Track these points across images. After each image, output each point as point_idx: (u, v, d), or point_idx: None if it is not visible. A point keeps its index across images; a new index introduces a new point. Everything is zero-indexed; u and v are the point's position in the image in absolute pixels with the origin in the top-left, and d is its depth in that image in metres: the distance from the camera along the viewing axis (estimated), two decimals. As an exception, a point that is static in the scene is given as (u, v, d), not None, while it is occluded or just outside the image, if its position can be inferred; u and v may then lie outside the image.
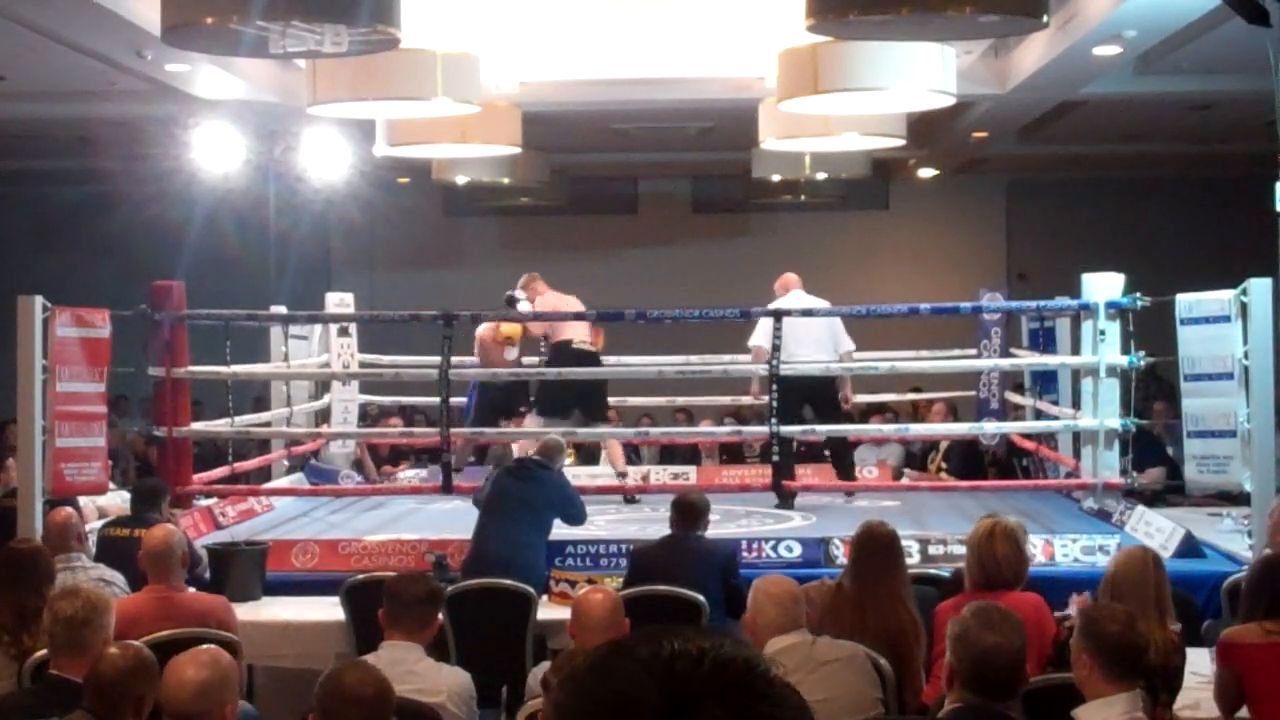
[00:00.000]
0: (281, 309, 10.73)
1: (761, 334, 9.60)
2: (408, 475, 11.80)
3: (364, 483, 10.95)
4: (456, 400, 9.81)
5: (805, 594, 5.71)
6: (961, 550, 6.14)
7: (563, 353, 9.99)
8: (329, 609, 6.94)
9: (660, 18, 10.15)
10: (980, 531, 5.42)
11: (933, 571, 6.86)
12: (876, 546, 5.65)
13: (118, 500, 8.59)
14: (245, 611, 6.73)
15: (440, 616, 5.16)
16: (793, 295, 9.96)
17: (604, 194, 18.65)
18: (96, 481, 8.27)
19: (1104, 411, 8.68)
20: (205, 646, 4.05)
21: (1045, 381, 10.18)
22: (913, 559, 7.44)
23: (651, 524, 8.41)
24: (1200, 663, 5.25)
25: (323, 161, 13.33)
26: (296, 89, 10.35)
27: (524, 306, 10.30)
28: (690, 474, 11.04)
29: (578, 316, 10.05)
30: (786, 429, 9.15)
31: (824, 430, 9.76)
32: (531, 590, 6.78)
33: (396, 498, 10.11)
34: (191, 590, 6.26)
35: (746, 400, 11.21)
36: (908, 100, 9.10)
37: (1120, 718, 3.94)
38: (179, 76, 11.19)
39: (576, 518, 7.71)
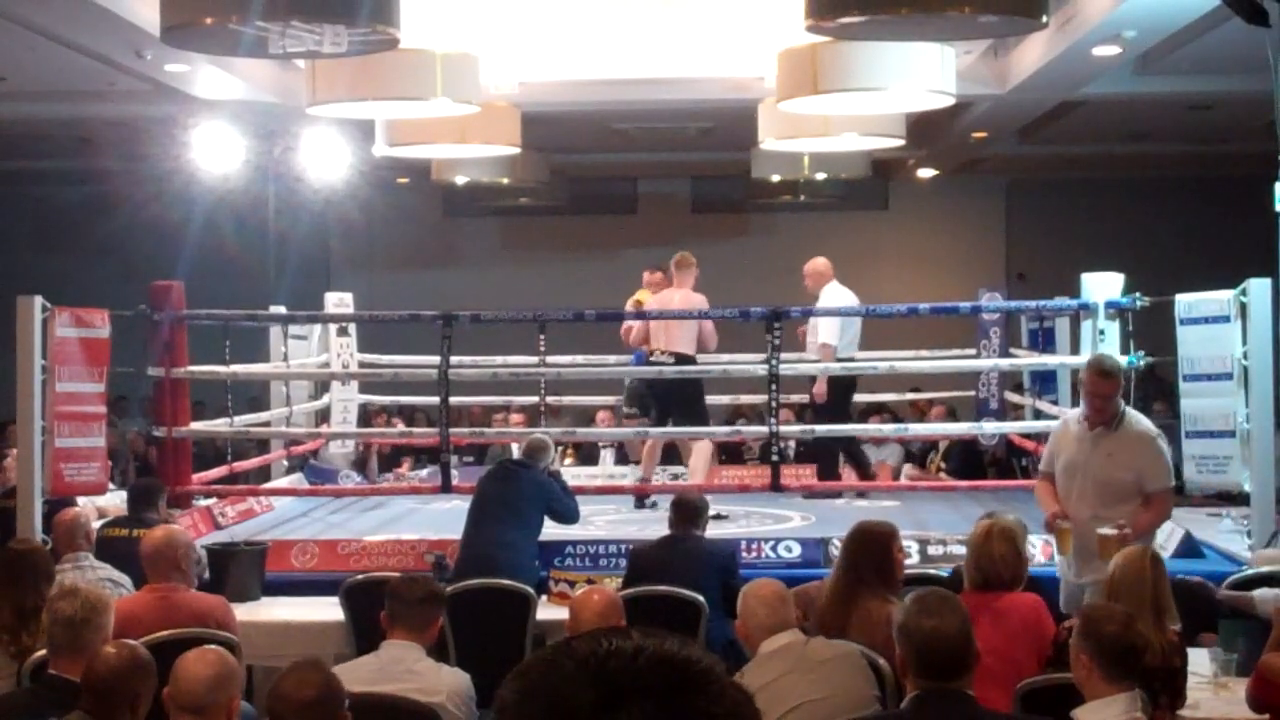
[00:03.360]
0: (281, 309, 10.74)
1: (831, 331, 9.67)
2: (409, 475, 11.81)
3: (364, 482, 10.95)
4: (457, 400, 9.79)
5: (805, 594, 5.73)
6: (961, 550, 6.14)
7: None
8: (328, 609, 6.94)
9: (660, 18, 10.15)
10: (978, 532, 5.43)
11: (932, 571, 6.86)
12: (861, 544, 5.64)
13: (117, 500, 8.59)
14: (245, 611, 6.74)
15: (439, 621, 5.16)
16: (835, 286, 9.99)
17: (604, 194, 18.66)
18: (96, 481, 8.27)
19: (1103, 411, 8.66)
20: (210, 646, 4.09)
21: (1044, 381, 10.18)
22: (912, 559, 7.44)
23: (651, 524, 8.41)
24: (1200, 662, 5.25)
25: (322, 161, 13.33)
26: (296, 89, 10.35)
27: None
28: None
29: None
30: (786, 429, 9.14)
31: (823, 430, 9.74)
32: (531, 590, 6.79)
33: (396, 498, 10.11)
34: (191, 590, 6.26)
35: (747, 400, 11.18)
36: (907, 100, 9.10)
37: (1119, 718, 3.95)
38: (179, 76, 11.20)
39: (565, 515, 7.69)
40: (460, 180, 14.49)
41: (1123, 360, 8.60)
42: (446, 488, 8.86)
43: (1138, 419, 6.35)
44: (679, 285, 9.76)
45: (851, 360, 9.79)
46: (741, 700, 1.37)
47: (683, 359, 9.51)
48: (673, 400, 9.62)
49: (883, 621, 5.38)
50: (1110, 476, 6.16)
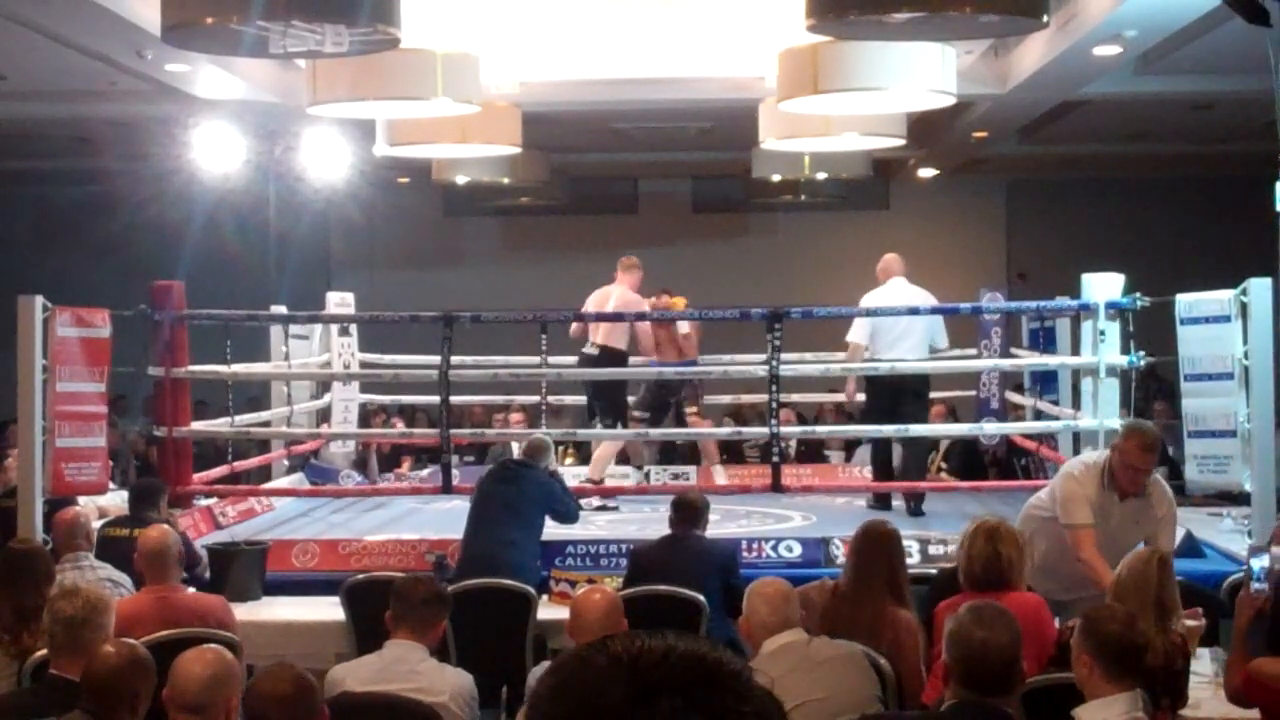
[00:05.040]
0: (281, 309, 10.74)
1: (860, 331, 9.44)
2: (409, 475, 11.81)
3: (364, 482, 10.95)
4: (458, 400, 9.79)
5: (804, 595, 5.72)
6: (961, 550, 6.12)
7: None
8: (329, 609, 6.95)
9: (660, 18, 10.14)
10: (978, 532, 5.42)
11: (932, 571, 6.86)
12: (874, 546, 5.65)
13: (118, 500, 8.59)
14: (245, 611, 6.74)
15: (442, 623, 5.14)
16: (893, 284, 9.61)
17: (604, 194, 18.65)
18: (96, 481, 8.27)
19: (1104, 411, 8.66)
20: (210, 645, 4.09)
21: (1045, 381, 10.17)
22: (913, 559, 7.44)
23: (651, 524, 8.41)
24: (1201, 662, 5.24)
25: (323, 161, 13.33)
26: (296, 89, 10.35)
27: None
28: (690, 474, 11.03)
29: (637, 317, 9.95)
30: (786, 429, 9.13)
31: (824, 431, 9.74)
32: (531, 590, 6.79)
33: (396, 498, 10.11)
34: (191, 590, 6.27)
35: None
36: (908, 100, 9.10)
37: (1120, 718, 3.94)
38: (179, 76, 11.19)
39: (566, 515, 7.71)
40: (460, 180, 14.49)
41: (1123, 360, 8.62)
42: (447, 488, 8.86)
43: (1160, 483, 6.27)
44: (619, 283, 10.11)
45: (888, 361, 9.37)
46: (769, 702, 1.40)
47: (611, 353, 9.90)
48: (596, 394, 10.13)
49: (892, 623, 5.39)
50: (1134, 541, 6.12)
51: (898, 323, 9.37)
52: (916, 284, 9.69)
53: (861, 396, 10.11)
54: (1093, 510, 6.12)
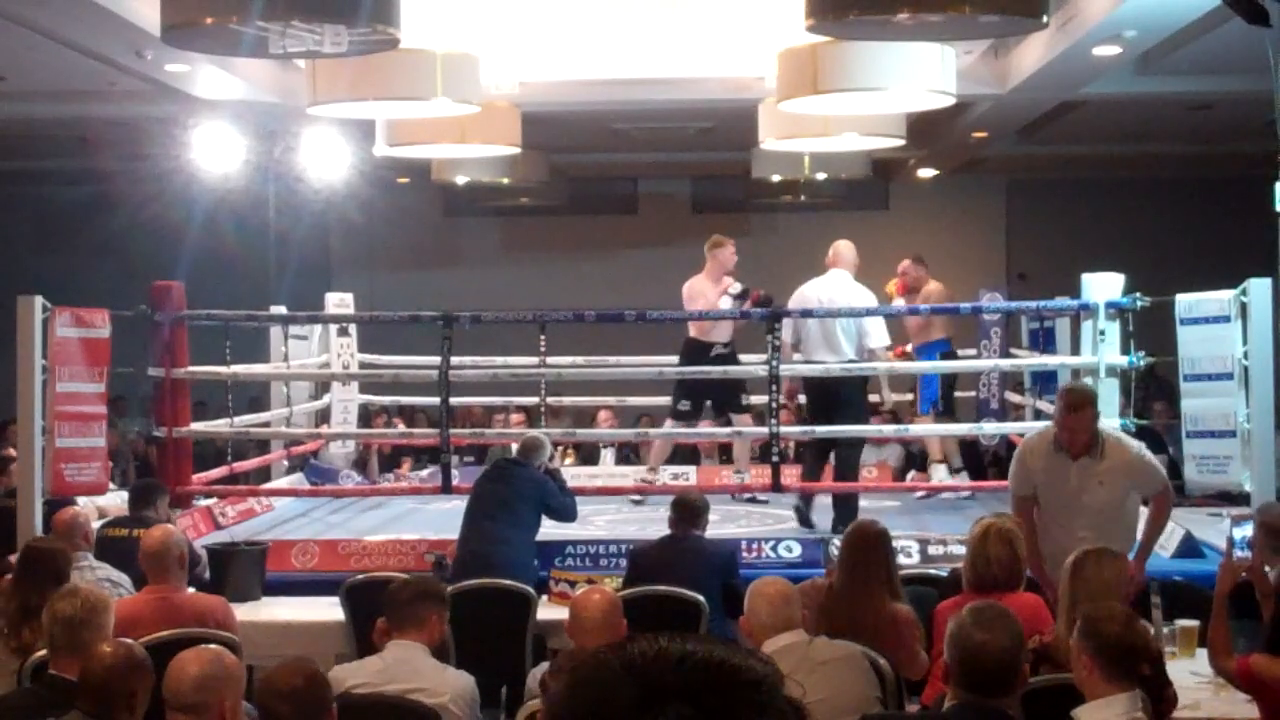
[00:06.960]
0: (281, 309, 10.74)
1: (786, 329, 9.20)
2: (409, 475, 11.81)
3: (364, 483, 10.95)
4: (457, 400, 9.79)
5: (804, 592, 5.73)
6: (961, 550, 6.13)
7: None
8: (329, 609, 6.95)
9: (660, 18, 10.15)
10: (976, 533, 5.42)
11: (933, 571, 6.86)
12: (864, 544, 5.65)
13: (117, 500, 8.59)
14: (245, 611, 6.74)
15: (437, 618, 5.13)
16: (831, 276, 9.38)
17: (604, 194, 18.65)
18: (96, 482, 8.28)
19: (1104, 412, 8.64)
20: (211, 645, 4.08)
21: (1045, 381, 10.17)
22: (913, 559, 7.46)
23: (651, 524, 8.41)
24: (1201, 662, 5.24)
25: (323, 161, 13.33)
26: (296, 89, 10.35)
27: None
28: (690, 474, 11.03)
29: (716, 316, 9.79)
30: (786, 429, 9.13)
31: (823, 431, 9.71)
32: (531, 590, 6.79)
33: (396, 498, 10.11)
34: (191, 590, 6.27)
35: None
36: (907, 100, 9.10)
37: (1119, 718, 3.94)
38: (179, 76, 11.19)
39: (562, 513, 7.69)
40: (460, 180, 14.49)
41: (1123, 360, 8.61)
42: (447, 488, 8.87)
43: (1118, 439, 6.33)
44: (704, 272, 10.10)
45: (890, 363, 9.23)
46: (791, 714, 1.38)
47: (690, 344, 9.92)
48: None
49: (892, 619, 5.39)
50: (1106, 502, 6.15)
51: (808, 325, 9.11)
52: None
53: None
54: (1041, 474, 6.25)
